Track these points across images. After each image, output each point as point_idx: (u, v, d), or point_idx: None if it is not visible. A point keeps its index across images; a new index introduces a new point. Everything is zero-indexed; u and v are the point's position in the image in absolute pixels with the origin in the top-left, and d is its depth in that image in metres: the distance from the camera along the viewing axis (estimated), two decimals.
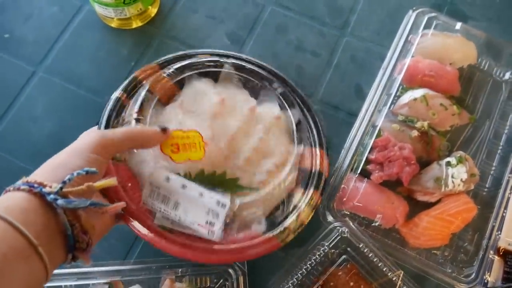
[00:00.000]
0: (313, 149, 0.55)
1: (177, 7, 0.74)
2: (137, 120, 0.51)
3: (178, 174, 0.48)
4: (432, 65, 0.65)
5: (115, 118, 0.52)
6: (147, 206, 0.47)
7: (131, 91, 0.54)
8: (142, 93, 0.53)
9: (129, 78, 0.55)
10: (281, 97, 0.57)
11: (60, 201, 0.35)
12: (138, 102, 0.52)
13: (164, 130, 0.47)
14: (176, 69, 0.56)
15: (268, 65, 0.60)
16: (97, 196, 0.45)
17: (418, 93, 0.64)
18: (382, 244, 0.58)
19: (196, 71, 0.56)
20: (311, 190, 0.52)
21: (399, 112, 0.64)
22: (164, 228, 0.46)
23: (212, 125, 0.53)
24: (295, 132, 0.55)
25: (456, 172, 0.59)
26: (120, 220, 0.46)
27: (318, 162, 0.54)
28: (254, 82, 0.58)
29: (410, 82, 0.65)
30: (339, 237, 0.56)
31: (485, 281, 0.57)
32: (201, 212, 0.46)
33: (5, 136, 0.66)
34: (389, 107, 0.64)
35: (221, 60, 0.58)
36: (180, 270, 0.55)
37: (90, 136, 0.41)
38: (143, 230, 0.45)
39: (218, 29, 0.73)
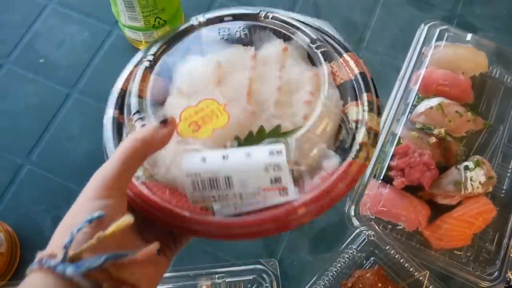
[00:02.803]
0: (341, 59, 0.47)
1: None
2: (141, 119, 0.43)
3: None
4: (446, 74, 0.69)
5: (119, 140, 0.44)
6: (198, 204, 0.39)
7: (122, 105, 0.46)
8: (133, 100, 0.44)
9: (116, 92, 0.47)
10: (277, 29, 0.48)
11: (69, 269, 0.29)
12: (133, 111, 0.44)
13: (164, 122, 0.37)
14: (153, 57, 0.47)
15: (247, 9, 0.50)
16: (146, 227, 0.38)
17: (433, 101, 0.67)
18: (407, 246, 0.60)
19: (169, 50, 0.48)
20: (364, 95, 0.44)
21: (417, 120, 0.67)
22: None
23: (222, 90, 0.45)
24: (311, 54, 0.47)
25: (474, 175, 0.62)
26: (180, 243, 0.40)
27: (353, 66, 0.46)
28: (240, 30, 0.49)
29: (426, 92, 0.69)
30: (365, 240, 0.59)
31: (508, 279, 0.59)
32: (259, 173, 0.38)
33: (44, 155, 0.69)
34: (407, 116, 0.67)
35: (190, 24, 0.50)
36: (216, 276, 0.58)
37: (88, 184, 0.34)
38: (211, 231, 0.38)
39: None
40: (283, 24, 0.49)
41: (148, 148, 0.36)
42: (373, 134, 0.41)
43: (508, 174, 0.67)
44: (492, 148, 0.69)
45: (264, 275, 0.58)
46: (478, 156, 0.65)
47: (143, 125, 0.42)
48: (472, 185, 0.62)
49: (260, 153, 0.38)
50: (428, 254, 0.61)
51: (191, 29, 0.49)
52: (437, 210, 0.63)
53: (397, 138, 0.64)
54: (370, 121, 0.42)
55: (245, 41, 0.49)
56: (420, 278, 0.57)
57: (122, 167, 0.34)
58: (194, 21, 0.50)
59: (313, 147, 0.41)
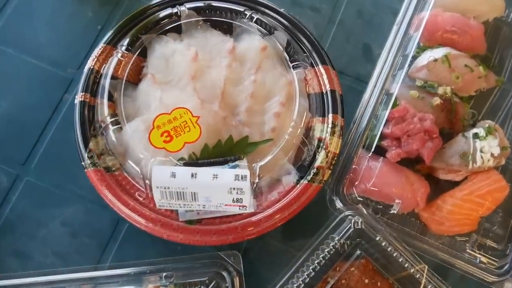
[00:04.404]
0: (316, 68, 0.49)
1: None
2: (114, 123, 0.45)
3: (182, 159, 0.43)
4: (454, 19, 0.57)
5: (90, 125, 0.46)
6: (165, 207, 0.43)
7: (93, 87, 0.48)
8: (106, 83, 0.47)
9: (85, 74, 0.48)
10: (258, 23, 0.50)
11: None
12: (106, 98, 0.46)
13: None
14: (132, 40, 0.48)
15: None
16: None
17: (438, 52, 0.55)
18: (399, 233, 0.50)
19: (154, 34, 0.50)
20: (330, 116, 0.47)
21: (417, 76, 0.55)
22: (191, 222, 0.44)
23: (196, 87, 0.47)
24: (287, 57, 0.49)
25: (486, 146, 0.51)
26: None
27: (326, 81, 0.48)
28: (222, 18, 0.51)
29: (429, 40, 0.57)
30: (351, 228, 0.48)
31: None
32: (223, 193, 0.42)
33: None
34: (406, 71, 0.55)
35: (175, 10, 0.51)
36: (164, 274, 0.46)
37: None
38: (172, 234, 0.43)
39: None
40: (265, 19, 0.50)
41: None
42: (330, 157, 0.46)
43: None
44: (504, 110, 0.58)
45: (224, 273, 0.47)
46: (489, 121, 0.54)
47: (118, 128, 0.45)
48: (482, 157, 0.51)
49: (227, 176, 0.41)
50: (425, 241, 0.51)
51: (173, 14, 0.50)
52: (438, 188, 0.53)
53: (392, 99, 0.53)
54: (330, 145, 0.46)
55: (226, 29, 0.51)
56: (417, 276, 0.46)
57: None
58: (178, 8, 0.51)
59: (276, 162, 0.44)
